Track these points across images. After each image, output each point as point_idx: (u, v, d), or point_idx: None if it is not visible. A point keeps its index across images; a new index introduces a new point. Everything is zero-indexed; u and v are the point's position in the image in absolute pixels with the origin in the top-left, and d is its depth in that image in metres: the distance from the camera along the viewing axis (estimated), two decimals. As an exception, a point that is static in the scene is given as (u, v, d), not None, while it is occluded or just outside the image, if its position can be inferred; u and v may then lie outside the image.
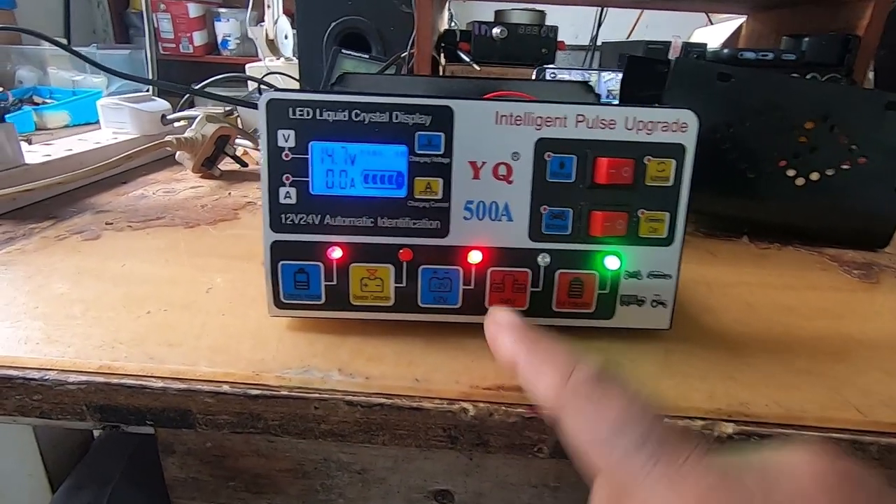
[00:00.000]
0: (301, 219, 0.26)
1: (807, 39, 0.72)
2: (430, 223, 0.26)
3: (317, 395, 0.23)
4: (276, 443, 0.27)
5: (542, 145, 0.25)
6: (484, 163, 0.25)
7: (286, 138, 0.25)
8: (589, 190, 0.26)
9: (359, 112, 0.25)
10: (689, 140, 0.25)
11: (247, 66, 0.99)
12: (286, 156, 0.25)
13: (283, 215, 0.26)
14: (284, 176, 0.25)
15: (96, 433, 0.47)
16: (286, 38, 0.99)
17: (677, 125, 0.25)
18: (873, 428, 0.22)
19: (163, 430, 0.27)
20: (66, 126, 0.84)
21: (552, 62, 0.80)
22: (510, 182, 0.26)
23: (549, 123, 0.25)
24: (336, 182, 0.25)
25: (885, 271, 0.39)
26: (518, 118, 0.25)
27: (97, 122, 0.64)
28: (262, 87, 0.78)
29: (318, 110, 0.25)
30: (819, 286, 0.36)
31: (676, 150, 0.25)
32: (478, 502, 0.28)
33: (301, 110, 0.25)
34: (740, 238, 0.44)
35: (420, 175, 0.25)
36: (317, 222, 0.26)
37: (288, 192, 0.25)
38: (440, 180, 0.25)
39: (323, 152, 0.25)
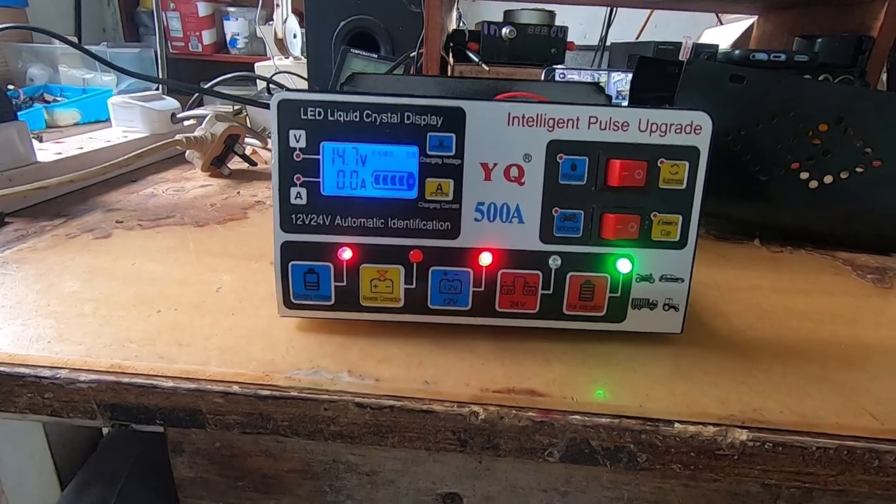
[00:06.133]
0: (312, 219, 0.26)
1: (820, 40, 0.72)
2: (441, 224, 0.26)
3: (326, 396, 0.23)
4: (285, 443, 0.27)
5: (554, 147, 0.25)
6: (495, 164, 0.25)
7: (297, 138, 0.25)
8: (601, 192, 0.25)
9: (370, 113, 0.25)
10: (702, 142, 0.25)
11: (256, 64, 0.99)
12: (297, 156, 0.25)
13: (293, 215, 0.26)
14: (295, 176, 0.25)
15: (105, 431, 0.47)
16: (295, 37, 0.99)
17: (691, 127, 0.25)
18: (890, 436, 0.22)
19: (172, 430, 0.27)
20: (77, 124, 0.84)
21: (562, 62, 0.79)
22: (522, 184, 0.25)
23: (561, 125, 0.25)
24: (347, 183, 0.25)
25: (899, 276, 0.39)
26: (530, 119, 0.25)
27: (107, 119, 0.65)
28: (270, 86, 0.78)
29: (329, 111, 0.25)
30: (832, 291, 0.36)
31: (690, 153, 0.25)
32: (486, 506, 0.27)
33: (312, 110, 0.25)
34: (752, 241, 0.44)
35: (431, 176, 0.25)
36: (327, 223, 0.26)
37: (299, 192, 0.25)
38: (451, 181, 0.25)
39: (334, 153, 0.25)
